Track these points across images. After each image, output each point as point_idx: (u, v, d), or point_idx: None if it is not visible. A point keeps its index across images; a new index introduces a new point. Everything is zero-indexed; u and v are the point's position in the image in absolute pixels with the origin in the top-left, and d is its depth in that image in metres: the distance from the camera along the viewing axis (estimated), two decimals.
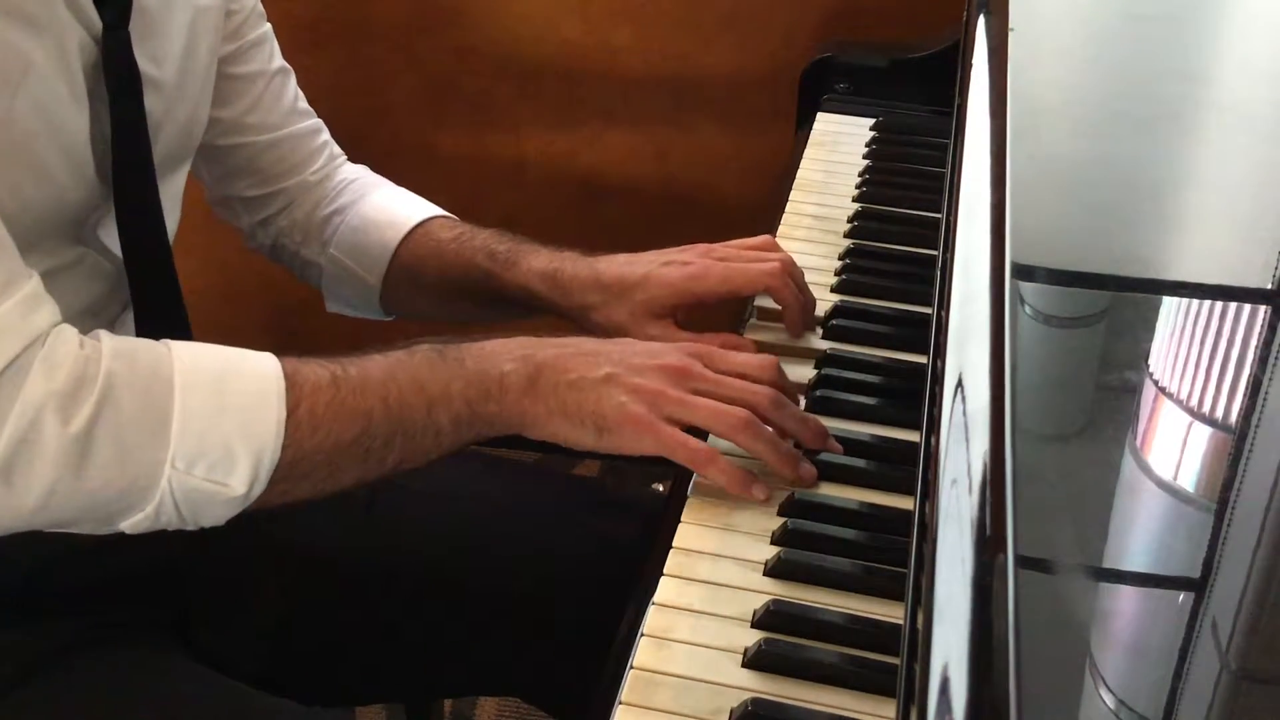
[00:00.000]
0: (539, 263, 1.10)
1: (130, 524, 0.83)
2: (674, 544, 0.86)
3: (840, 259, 1.20)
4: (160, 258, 0.98)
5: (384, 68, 1.89)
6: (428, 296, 1.18)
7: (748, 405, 0.90)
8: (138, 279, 0.97)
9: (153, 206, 0.96)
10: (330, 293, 1.22)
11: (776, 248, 1.10)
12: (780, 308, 1.08)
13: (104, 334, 0.83)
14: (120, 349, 0.82)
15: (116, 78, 0.90)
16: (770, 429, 0.91)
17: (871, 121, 1.48)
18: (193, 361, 0.84)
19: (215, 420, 0.82)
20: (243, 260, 1.95)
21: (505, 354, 0.90)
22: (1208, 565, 0.62)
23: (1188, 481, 0.68)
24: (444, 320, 1.21)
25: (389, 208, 1.18)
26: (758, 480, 0.89)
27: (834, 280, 1.16)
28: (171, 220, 1.02)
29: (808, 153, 1.42)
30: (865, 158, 1.41)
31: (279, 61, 1.15)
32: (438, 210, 1.20)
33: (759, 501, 0.89)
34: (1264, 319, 0.79)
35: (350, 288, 1.19)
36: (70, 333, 0.81)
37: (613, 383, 0.89)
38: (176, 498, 0.82)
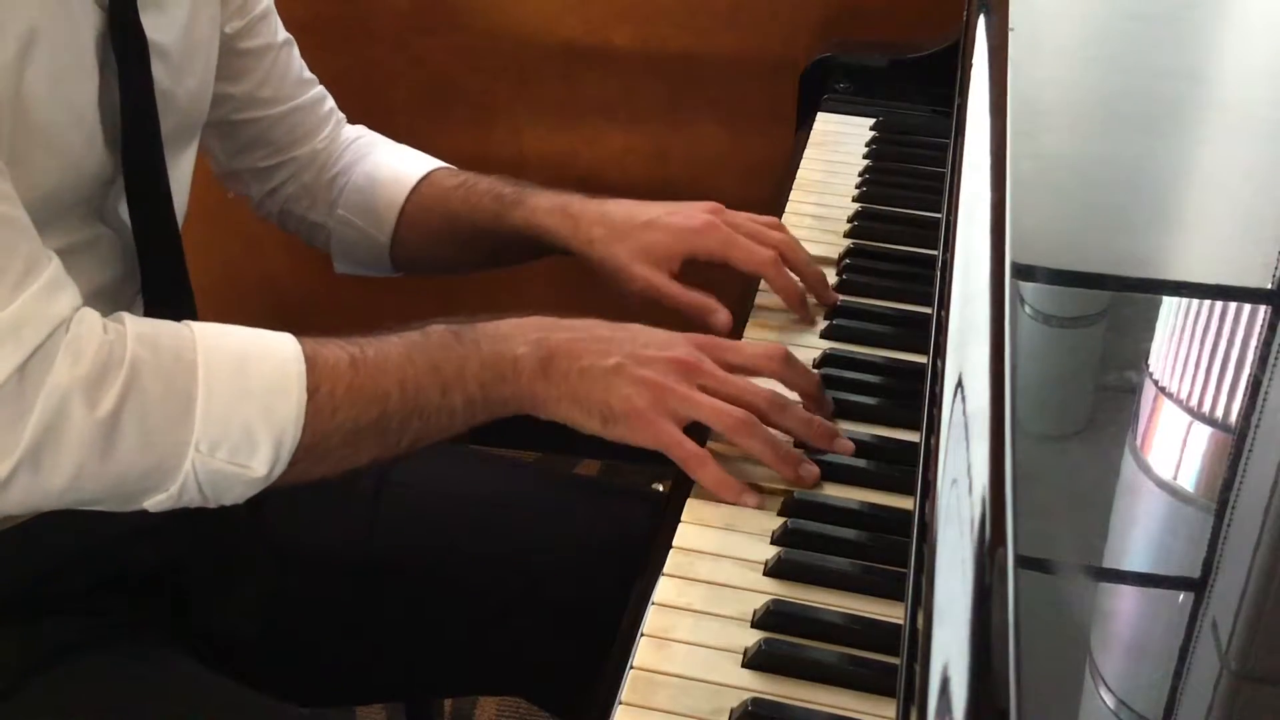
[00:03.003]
0: (545, 200, 1.13)
1: (153, 503, 0.84)
2: (674, 544, 0.86)
3: (840, 259, 1.20)
4: (168, 233, 0.98)
5: (384, 68, 1.89)
6: (437, 246, 1.20)
7: (748, 406, 0.91)
8: (147, 254, 0.97)
9: (160, 178, 0.96)
10: (339, 254, 1.23)
11: (781, 228, 1.13)
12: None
13: (127, 317, 0.84)
14: (144, 333, 0.83)
15: (124, 44, 0.91)
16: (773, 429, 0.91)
17: (871, 121, 1.48)
18: (215, 344, 0.85)
19: (238, 404, 0.83)
20: (245, 257, 1.96)
21: (520, 337, 0.92)
22: (1208, 565, 0.62)
23: (1188, 481, 0.68)
24: (454, 272, 1.23)
25: (392, 164, 1.20)
26: (748, 488, 0.90)
27: (834, 280, 1.16)
28: (180, 202, 1.03)
29: (808, 153, 1.42)
30: (865, 158, 1.41)
31: (283, 34, 1.16)
32: (439, 162, 1.22)
33: (750, 508, 0.89)
34: (1264, 319, 0.79)
35: (360, 247, 1.21)
36: (93, 317, 0.82)
37: (620, 373, 0.90)
38: (200, 479, 0.83)
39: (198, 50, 1.01)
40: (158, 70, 0.94)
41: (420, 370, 0.89)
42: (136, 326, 0.83)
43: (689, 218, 1.09)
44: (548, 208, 1.13)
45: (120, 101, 0.91)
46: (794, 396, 0.95)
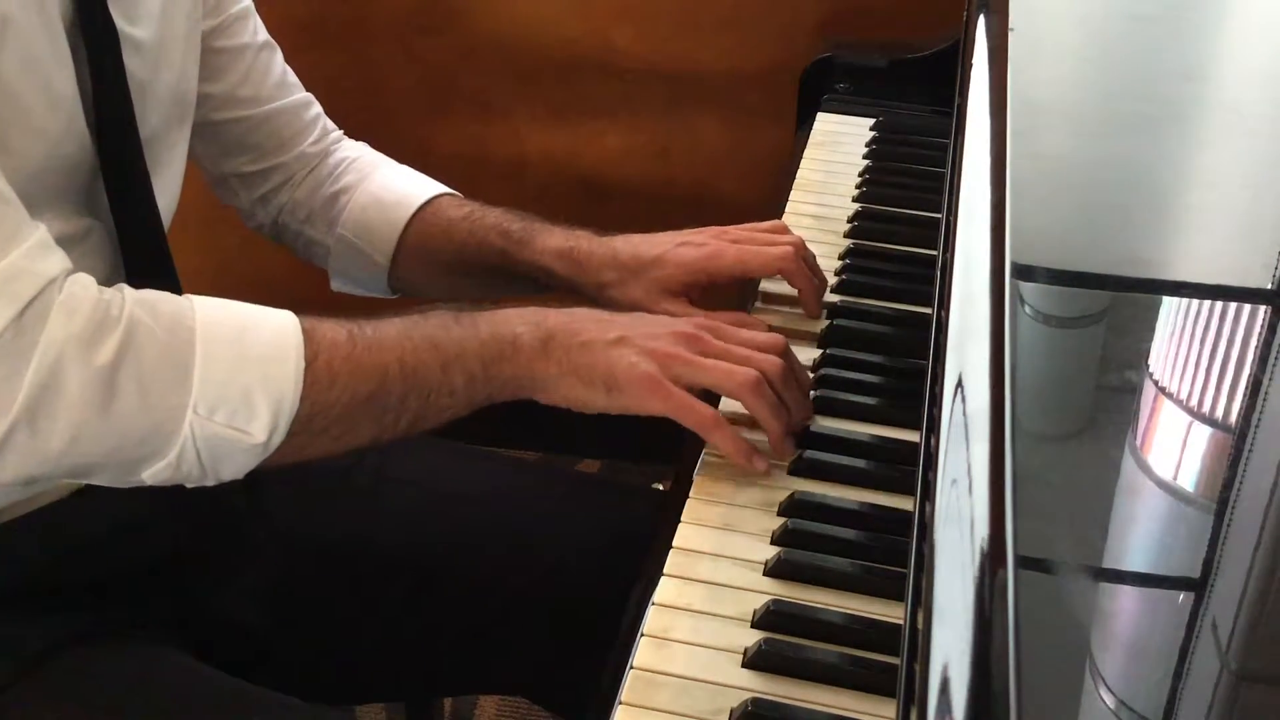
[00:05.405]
0: (554, 241, 1.12)
1: (152, 473, 0.84)
2: (674, 544, 0.86)
3: (840, 259, 1.20)
4: (150, 226, 0.98)
5: (384, 67, 1.89)
6: (438, 274, 1.19)
7: (757, 369, 0.91)
8: (128, 246, 0.97)
9: (137, 169, 0.96)
10: (336, 272, 1.22)
11: (787, 231, 1.12)
12: (792, 291, 1.10)
13: (126, 287, 0.85)
14: (143, 298, 0.84)
15: (92, 33, 0.91)
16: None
17: (871, 121, 1.48)
18: (214, 313, 0.86)
19: (236, 368, 0.84)
20: (240, 258, 1.96)
21: (519, 319, 0.92)
22: (1208, 565, 0.62)
23: (1188, 481, 0.68)
24: (453, 298, 1.22)
25: (395, 186, 1.19)
26: (758, 453, 0.90)
27: (834, 280, 1.16)
28: (169, 200, 1.03)
29: (808, 153, 1.42)
30: (865, 158, 1.41)
31: (263, 35, 1.15)
32: (443, 187, 1.21)
33: (759, 473, 0.90)
34: (1264, 319, 0.79)
35: (358, 267, 1.20)
36: (87, 279, 0.83)
37: (624, 344, 0.90)
38: (199, 445, 0.83)
39: (174, 43, 1.01)
40: (132, 61, 0.94)
41: (419, 346, 0.89)
42: (135, 293, 0.84)
43: (697, 247, 1.08)
44: (556, 251, 1.11)
45: (93, 90, 0.91)
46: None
